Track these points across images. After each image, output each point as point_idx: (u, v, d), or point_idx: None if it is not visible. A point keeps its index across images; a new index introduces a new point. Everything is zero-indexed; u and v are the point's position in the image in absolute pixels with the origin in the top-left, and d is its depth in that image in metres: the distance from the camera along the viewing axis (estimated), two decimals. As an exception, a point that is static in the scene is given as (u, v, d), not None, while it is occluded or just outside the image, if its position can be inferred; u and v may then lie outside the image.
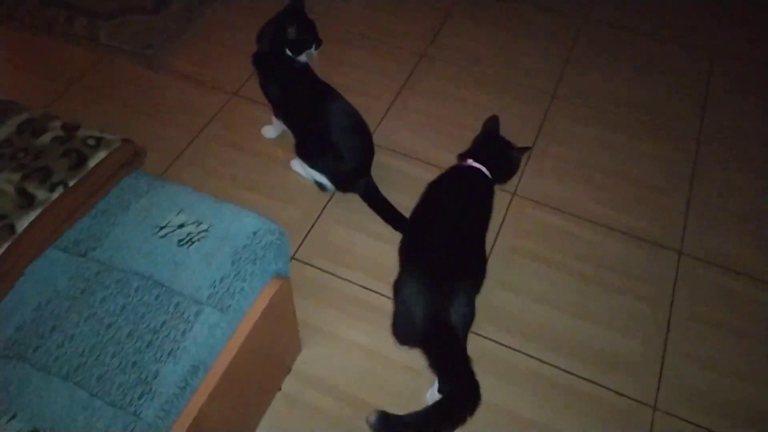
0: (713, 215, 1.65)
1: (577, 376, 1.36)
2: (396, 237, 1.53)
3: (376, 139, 1.78)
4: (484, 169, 1.37)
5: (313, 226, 1.59)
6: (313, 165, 1.55)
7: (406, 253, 1.31)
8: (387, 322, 1.41)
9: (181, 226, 1.04)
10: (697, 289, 1.51)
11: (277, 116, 1.65)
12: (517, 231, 1.60)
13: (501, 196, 1.64)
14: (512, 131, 1.68)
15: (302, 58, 1.53)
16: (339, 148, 1.47)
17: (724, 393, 1.35)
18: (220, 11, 2.15)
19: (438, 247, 1.21)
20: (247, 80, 1.91)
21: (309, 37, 1.51)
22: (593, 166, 1.75)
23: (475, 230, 1.28)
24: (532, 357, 1.39)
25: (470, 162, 1.39)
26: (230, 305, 0.97)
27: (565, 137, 1.82)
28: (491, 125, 1.46)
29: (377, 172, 1.61)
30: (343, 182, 1.58)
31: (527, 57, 2.05)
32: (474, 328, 1.21)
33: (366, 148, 1.55)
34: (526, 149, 1.47)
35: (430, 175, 1.68)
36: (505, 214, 1.64)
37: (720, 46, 2.11)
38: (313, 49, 1.53)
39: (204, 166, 1.71)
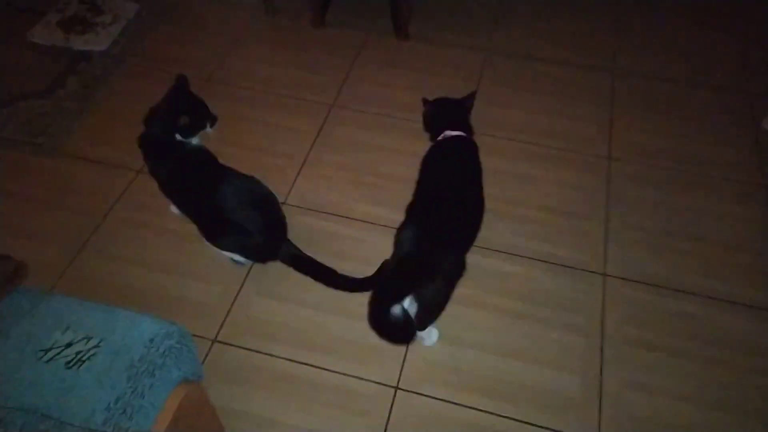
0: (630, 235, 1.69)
1: (516, 420, 1.34)
2: (325, 300, 1.49)
3: (293, 199, 1.74)
4: (461, 133, 1.50)
5: (233, 302, 1.53)
6: (220, 246, 1.49)
7: (413, 211, 1.38)
8: (321, 396, 1.36)
9: (69, 345, 0.96)
10: (626, 311, 1.52)
11: (170, 200, 1.59)
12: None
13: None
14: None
15: (194, 140, 1.48)
16: (242, 226, 1.42)
17: (668, 418, 1.35)
18: (120, 84, 2.07)
19: (442, 205, 1.34)
20: (152, 155, 1.85)
21: (201, 119, 1.46)
22: (512, 200, 1.76)
23: (473, 190, 1.42)
24: (463, 406, 1.35)
25: (450, 133, 1.49)
26: (128, 428, 0.89)
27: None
28: (437, 104, 1.58)
29: (299, 234, 1.57)
30: (258, 255, 1.53)
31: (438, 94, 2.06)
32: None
33: (273, 219, 1.50)
34: (472, 95, 1.57)
35: (353, 230, 1.65)
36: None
37: (621, 64, 2.19)
38: (208, 129, 1.49)
39: (112, 253, 1.61)
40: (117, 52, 2.16)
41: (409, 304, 1.31)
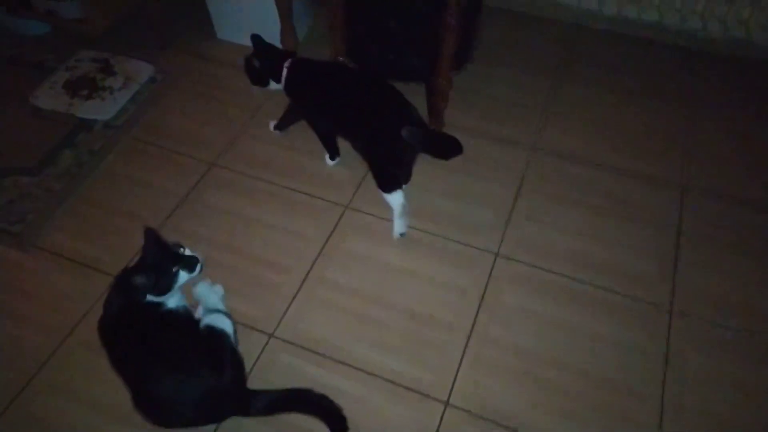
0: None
1: None
2: None
3: (283, 331, 1.50)
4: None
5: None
6: None
7: None
8: None
9: None
10: None
11: None
12: None
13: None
14: (453, 306, 1.48)
15: (174, 298, 1.27)
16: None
17: None
18: (116, 164, 1.87)
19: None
20: (133, 257, 1.62)
21: (167, 272, 1.23)
22: (545, 357, 1.45)
23: None
24: None
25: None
26: None
27: (508, 316, 1.52)
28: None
29: (281, 379, 1.30)
30: None
31: (475, 198, 1.78)
32: None
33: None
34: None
35: (351, 383, 1.40)
36: None
37: (690, 179, 1.85)
38: (183, 277, 1.25)
39: (66, 386, 1.39)
40: (121, 123, 1.97)
41: None
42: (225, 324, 1.28)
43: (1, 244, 1.64)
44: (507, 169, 1.86)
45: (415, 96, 1.69)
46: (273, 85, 1.69)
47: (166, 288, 1.22)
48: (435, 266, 1.62)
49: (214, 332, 1.25)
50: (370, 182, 1.80)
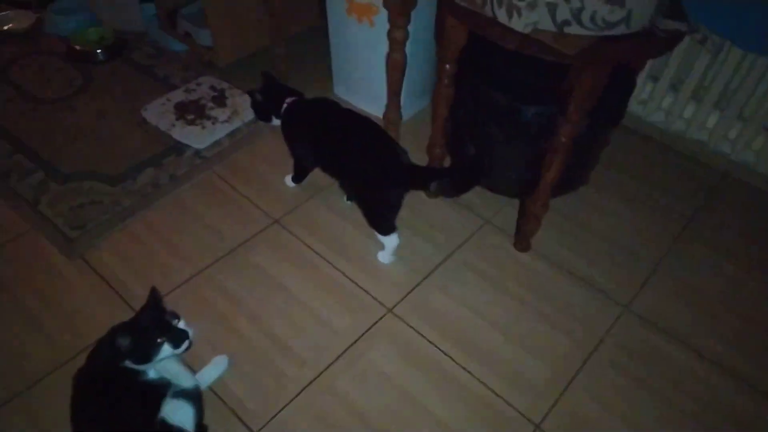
0: None
1: None
2: None
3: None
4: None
5: None
6: None
7: None
8: None
9: None
10: None
11: None
12: None
13: None
14: None
15: (153, 371, 1.17)
16: None
17: None
18: (184, 195, 1.85)
19: None
20: (171, 291, 1.57)
21: (149, 341, 1.14)
22: None
23: None
24: None
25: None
26: None
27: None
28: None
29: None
30: None
31: (538, 338, 1.52)
32: None
33: None
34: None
35: None
36: None
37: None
38: (166, 351, 1.15)
39: (42, 418, 1.34)
40: (211, 155, 1.97)
41: None
42: (185, 419, 1.14)
43: (53, 245, 1.67)
44: (585, 321, 1.58)
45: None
46: (275, 121, 1.72)
47: (145, 358, 1.13)
48: (465, 419, 1.38)
49: (171, 430, 1.12)
50: (425, 289, 1.62)
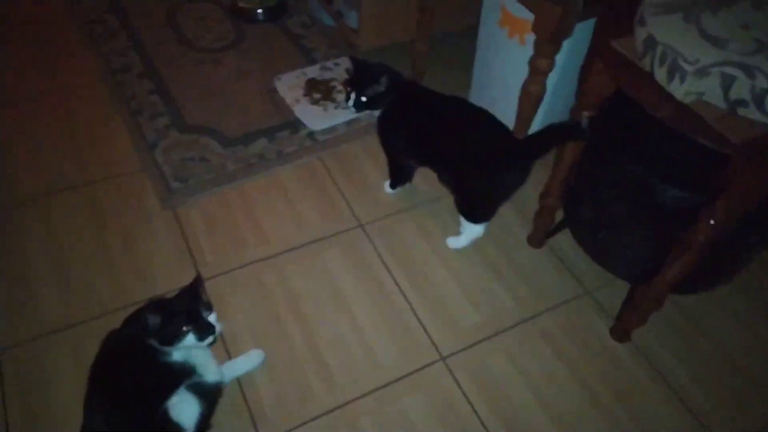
0: None
1: None
2: None
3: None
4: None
5: None
6: None
7: None
8: None
9: None
10: None
11: None
12: None
13: None
14: None
15: (179, 352, 1.15)
16: None
17: None
18: (279, 174, 1.83)
19: None
20: (236, 268, 1.58)
21: (177, 325, 1.11)
22: None
23: None
24: None
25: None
26: None
27: None
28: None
29: None
30: None
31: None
32: None
33: None
34: None
35: None
36: None
37: None
38: (191, 339, 1.12)
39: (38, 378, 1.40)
40: (323, 139, 1.94)
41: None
42: (188, 416, 1.12)
43: (153, 190, 1.75)
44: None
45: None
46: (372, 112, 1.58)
47: (168, 341, 1.11)
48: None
49: (168, 424, 1.09)
50: (489, 347, 1.45)
